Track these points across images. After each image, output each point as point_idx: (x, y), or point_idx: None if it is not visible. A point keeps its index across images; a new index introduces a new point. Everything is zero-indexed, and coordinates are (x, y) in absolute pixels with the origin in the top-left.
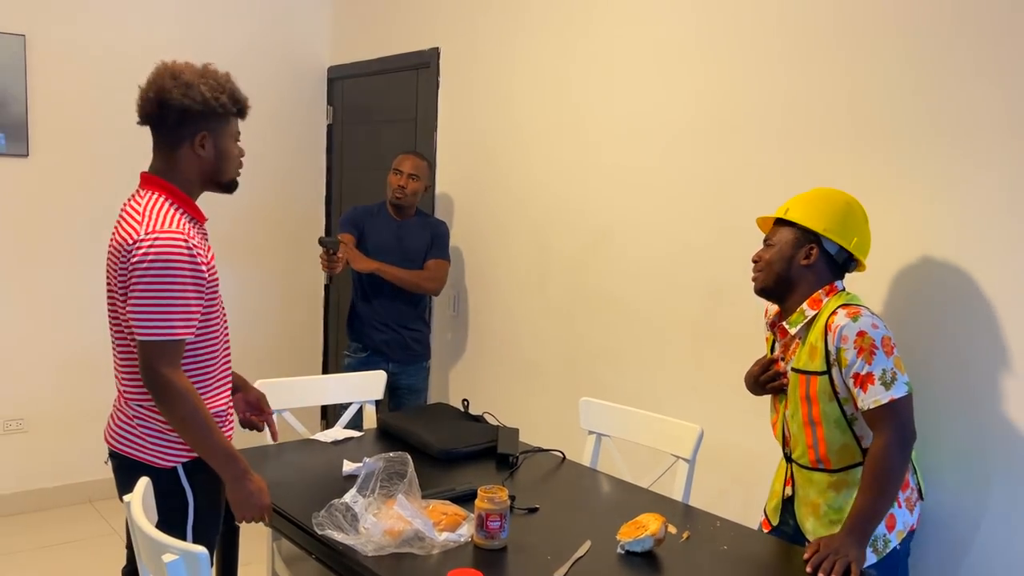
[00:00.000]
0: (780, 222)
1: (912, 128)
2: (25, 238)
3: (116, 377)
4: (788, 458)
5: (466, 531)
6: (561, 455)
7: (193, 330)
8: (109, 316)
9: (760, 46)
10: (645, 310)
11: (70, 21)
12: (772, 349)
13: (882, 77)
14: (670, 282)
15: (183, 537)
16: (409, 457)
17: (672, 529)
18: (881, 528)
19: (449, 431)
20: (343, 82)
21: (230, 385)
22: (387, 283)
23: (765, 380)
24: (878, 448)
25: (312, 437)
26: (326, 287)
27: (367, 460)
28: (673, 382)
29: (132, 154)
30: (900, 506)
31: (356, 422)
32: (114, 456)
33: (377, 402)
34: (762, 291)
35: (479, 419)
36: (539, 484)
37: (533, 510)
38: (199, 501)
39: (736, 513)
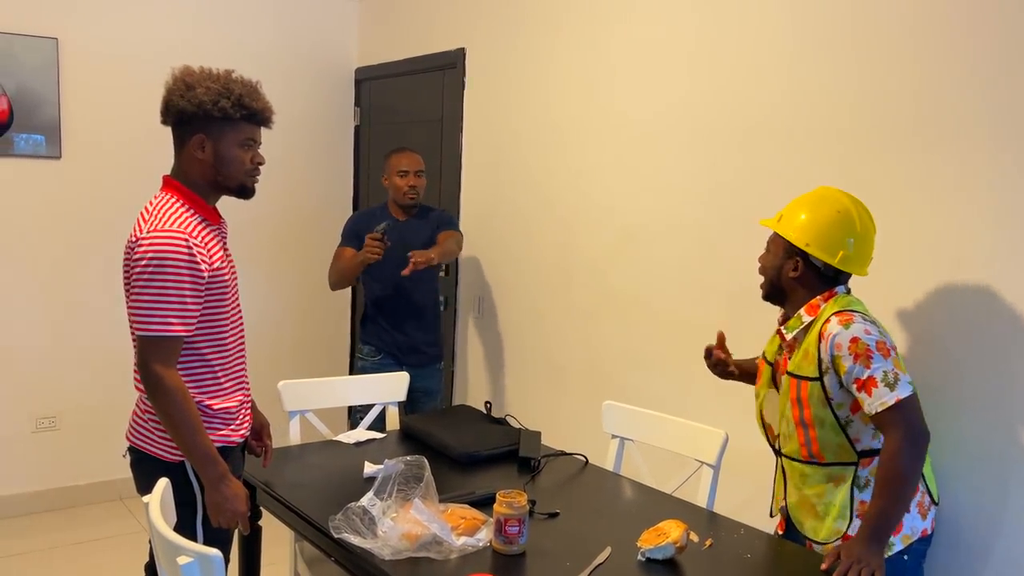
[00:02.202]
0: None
1: (954, 124)
2: (58, 239)
3: (135, 373)
4: (776, 452)
5: (485, 536)
6: (584, 459)
7: (190, 328)
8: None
9: (789, 46)
10: (671, 313)
11: (101, 24)
12: (779, 350)
13: (919, 74)
14: (696, 284)
15: (194, 532)
16: (426, 460)
17: (694, 537)
18: None
19: (471, 434)
20: (370, 83)
21: (245, 386)
22: (397, 286)
23: (710, 367)
24: (890, 450)
25: (335, 438)
26: (353, 288)
27: (387, 462)
28: (699, 386)
29: (163, 156)
30: (908, 510)
31: (379, 424)
32: (130, 450)
33: (400, 403)
34: (765, 296)
35: (502, 422)
36: (561, 488)
37: (554, 515)
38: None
39: (762, 521)
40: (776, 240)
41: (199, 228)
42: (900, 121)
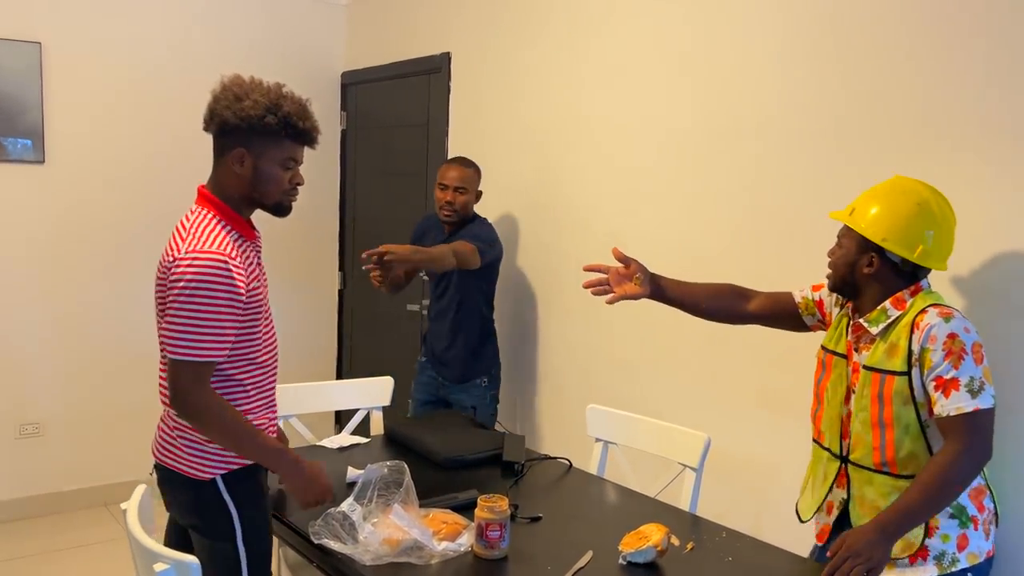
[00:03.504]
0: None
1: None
2: (41, 245)
3: (162, 388)
4: (842, 458)
5: (466, 540)
6: (567, 463)
7: (224, 353)
8: (158, 329)
9: (772, 48)
10: (658, 317)
11: (85, 28)
12: (834, 336)
13: (902, 75)
14: None
15: (235, 549)
16: (406, 466)
17: (675, 540)
18: (951, 546)
19: (455, 438)
20: (356, 87)
21: (274, 404)
22: (442, 296)
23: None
24: (947, 455)
25: (319, 443)
26: (340, 292)
27: (369, 467)
28: (685, 390)
29: (146, 161)
30: (977, 528)
31: (365, 428)
32: (158, 468)
33: (384, 408)
34: (833, 290)
35: (486, 426)
36: (544, 492)
37: (536, 519)
38: (244, 511)
39: (747, 525)
40: (849, 234)
41: (236, 247)
42: (886, 123)
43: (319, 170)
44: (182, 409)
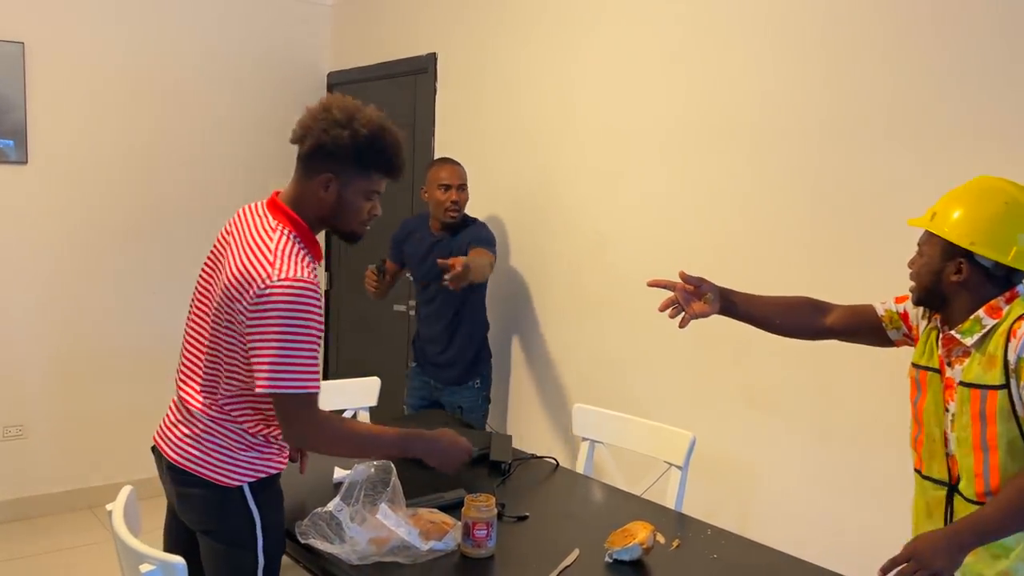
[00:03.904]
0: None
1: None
2: (24, 246)
3: (187, 391)
4: (950, 487)
5: (453, 540)
6: (554, 462)
7: (319, 381)
8: (192, 330)
9: (754, 53)
10: (644, 316)
11: (68, 28)
12: (924, 351)
13: (865, 78)
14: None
15: (254, 557)
16: (392, 465)
17: (661, 538)
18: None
19: None
20: (343, 88)
21: None
22: (434, 299)
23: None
24: None
25: None
26: (327, 292)
27: (356, 467)
28: (672, 390)
29: (130, 161)
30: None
31: None
32: (174, 469)
33: (372, 408)
34: (918, 303)
35: (473, 426)
36: (531, 491)
37: (523, 518)
38: (267, 519)
39: (732, 523)
40: (931, 241)
41: (311, 270)
42: (870, 123)
43: None
44: (303, 443)
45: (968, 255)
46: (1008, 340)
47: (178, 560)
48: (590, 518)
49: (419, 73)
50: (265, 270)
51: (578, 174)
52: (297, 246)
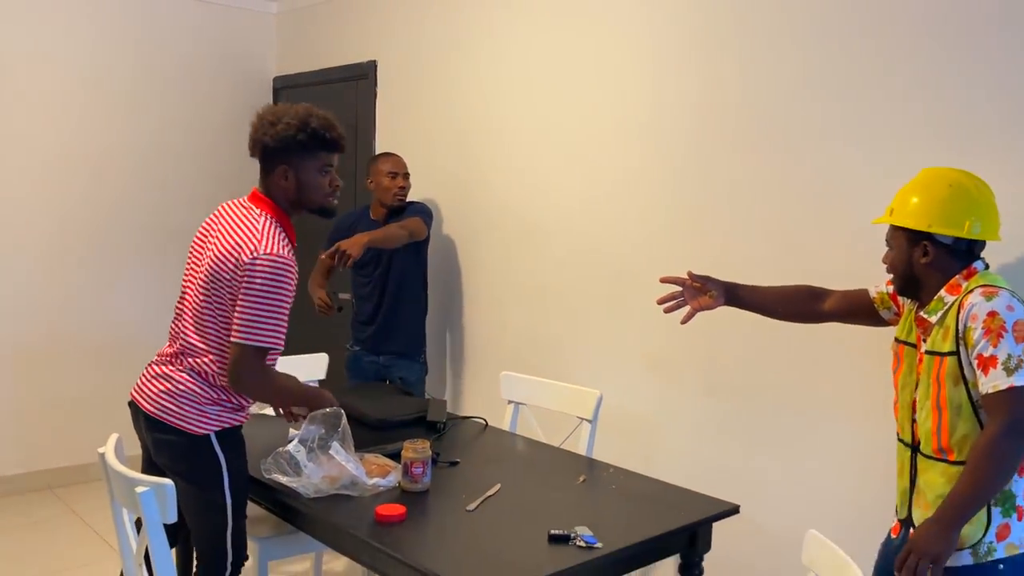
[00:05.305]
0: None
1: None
2: None
3: (174, 353)
4: (913, 448)
5: (394, 478)
6: (484, 422)
7: (282, 341)
8: (186, 300)
9: (698, 47)
10: (563, 297)
11: (14, 38)
12: (905, 327)
13: (781, 80)
14: (586, 271)
15: (222, 496)
16: (343, 411)
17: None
18: (990, 535)
19: (384, 403)
20: (288, 91)
21: None
22: (370, 280)
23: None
24: (986, 435)
25: (262, 412)
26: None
27: (307, 426)
28: (586, 359)
29: (85, 163)
30: (1021, 518)
31: None
32: (150, 420)
33: (320, 381)
34: (899, 292)
35: (412, 394)
36: (463, 445)
37: (454, 463)
38: (231, 463)
39: (638, 468)
40: (896, 234)
41: (292, 252)
42: (822, 120)
43: (254, 169)
44: (244, 383)
45: (930, 237)
46: (959, 312)
47: (167, 481)
48: (513, 464)
49: (360, 79)
50: (253, 245)
51: (506, 170)
52: (278, 229)
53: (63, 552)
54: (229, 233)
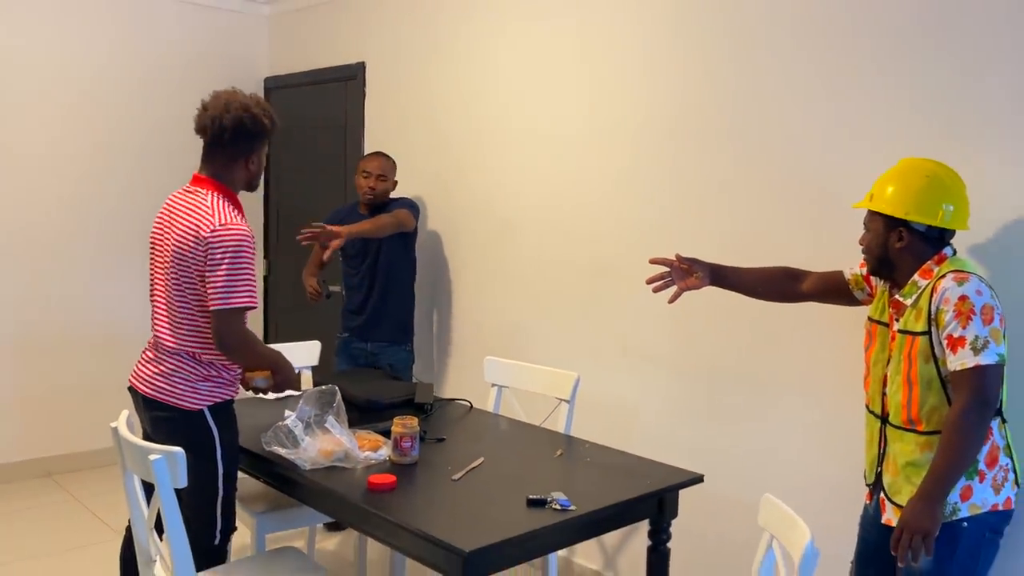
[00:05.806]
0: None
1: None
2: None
3: (162, 336)
4: (883, 419)
5: (385, 452)
6: (468, 404)
7: (256, 299)
8: (156, 290)
9: (652, 54)
10: (542, 286)
11: (6, 38)
12: (878, 307)
13: (722, 82)
14: (563, 262)
15: (215, 466)
16: (337, 388)
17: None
18: (954, 495)
19: (374, 387)
20: (279, 92)
21: None
22: (359, 271)
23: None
24: (953, 411)
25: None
26: (265, 278)
27: (302, 407)
28: (565, 344)
29: (76, 162)
30: (983, 481)
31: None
32: (146, 400)
33: (313, 367)
34: (872, 273)
35: (401, 378)
36: (449, 425)
37: (441, 440)
38: (223, 435)
39: (616, 446)
40: (874, 218)
41: (244, 219)
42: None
43: None
44: (230, 345)
45: (905, 223)
46: (932, 295)
47: (178, 449)
48: (495, 440)
49: (349, 79)
50: (208, 220)
51: (491, 169)
52: (227, 203)
53: (64, 535)
54: (183, 216)
